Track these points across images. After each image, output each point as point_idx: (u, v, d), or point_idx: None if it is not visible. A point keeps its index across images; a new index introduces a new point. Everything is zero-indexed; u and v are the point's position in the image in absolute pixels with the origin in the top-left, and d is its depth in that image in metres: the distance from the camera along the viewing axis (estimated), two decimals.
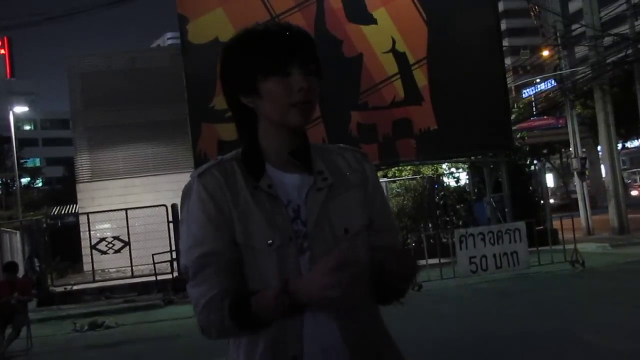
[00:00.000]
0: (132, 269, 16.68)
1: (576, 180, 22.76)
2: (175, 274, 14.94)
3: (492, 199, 17.57)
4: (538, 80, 37.79)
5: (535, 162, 27.91)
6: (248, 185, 1.58)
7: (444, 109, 15.88)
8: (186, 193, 1.61)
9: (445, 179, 21.89)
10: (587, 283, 11.76)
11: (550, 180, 45.67)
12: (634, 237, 18.56)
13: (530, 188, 20.74)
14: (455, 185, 21.75)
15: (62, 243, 19.24)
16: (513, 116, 24.69)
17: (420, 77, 16.06)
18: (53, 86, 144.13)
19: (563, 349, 6.81)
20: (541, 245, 13.94)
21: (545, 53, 27.88)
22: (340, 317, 1.54)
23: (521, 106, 35.14)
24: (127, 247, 16.85)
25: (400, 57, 16.10)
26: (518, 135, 23.04)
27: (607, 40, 23.04)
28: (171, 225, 15.63)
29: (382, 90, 15.99)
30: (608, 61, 21.60)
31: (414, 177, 20.47)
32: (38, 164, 67.35)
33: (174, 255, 15.04)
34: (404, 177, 20.67)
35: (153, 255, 15.52)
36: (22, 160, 48.24)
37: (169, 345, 9.75)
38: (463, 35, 16.18)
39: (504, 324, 8.56)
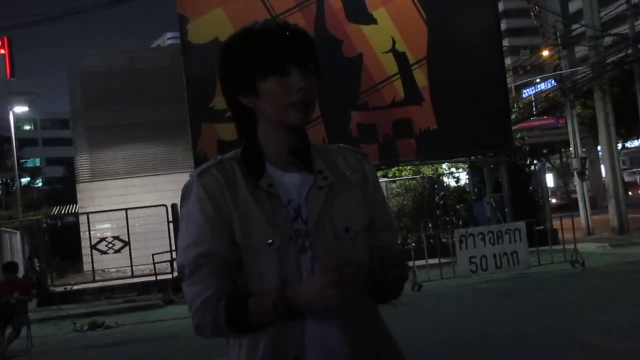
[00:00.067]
0: (132, 269, 16.69)
1: (576, 180, 22.76)
2: (175, 273, 14.92)
3: (492, 199, 17.57)
4: (538, 80, 37.82)
5: (535, 162, 27.93)
6: (248, 185, 1.58)
7: (444, 109, 15.89)
8: (185, 192, 1.61)
9: (445, 179, 21.89)
10: (587, 283, 11.75)
11: (550, 180, 45.68)
12: (634, 237, 18.55)
13: (530, 188, 20.75)
14: (455, 185, 21.75)
15: (62, 243, 19.22)
16: (513, 116, 24.69)
17: (420, 77, 16.07)
18: (53, 86, 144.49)
19: (563, 349, 6.81)
20: (541, 245, 13.94)
21: (545, 53, 27.88)
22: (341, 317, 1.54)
23: (521, 106, 35.17)
24: (127, 247, 16.86)
25: (400, 57, 16.11)
26: (518, 135, 23.03)
27: (607, 40, 23.05)
28: (171, 225, 15.62)
29: (382, 90, 16.00)
30: (608, 61, 21.60)
31: (414, 177, 20.46)
32: (38, 164, 67.34)
33: (174, 255, 15.03)
34: (404, 177, 20.67)
35: (153, 255, 15.51)
36: (22, 160, 48.24)
37: (169, 345, 9.74)
38: (463, 35, 16.18)
39: (504, 324, 8.55)
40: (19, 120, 53.06)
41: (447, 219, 19.78)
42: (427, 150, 16.31)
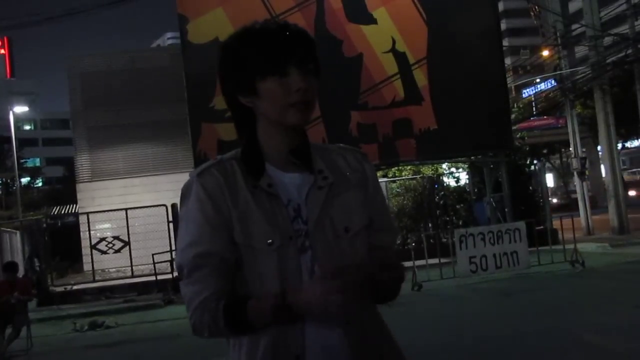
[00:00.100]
0: (132, 269, 16.69)
1: (576, 180, 22.76)
2: (175, 273, 14.92)
3: (492, 199, 17.57)
4: (538, 80, 37.81)
5: (535, 162, 27.92)
6: (248, 185, 1.58)
7: (444, 109, 15.89)
8: (185, 192, 1.60)
9: (445, 179, 21.89)
10: (587, 283, 11.75)
11: (550, 180, 45.67)
12: (634, 237, 18.55)
13: (530, 188, 20.74)
14: (455, 185, 21.75)
15: (62, 243, 19.23)
16: (513, 116, 24.68)
17: (420, 77, 16.07)
18: (53, 86, 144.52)
19: (563, 349, 6.80)
20: (541, 245, 13.94)
21: (545, 53, 27.89)
22: None
23: (521, 106, 35.15)
24: (127, 247, 16.87)
25: (400, 57, 16.11)
26: (518, 135, 23.03)
27: (607, 40, 23.05)
28: (171, 225, 15.62)
29: (382, 90, 16.00)
30: (608, 61, 21.60)
31: (414, 177, 20.47)
32: (38, 164, 67.30)
33: (174, 255, 15.02)
34: (404, 177, 20.67)
35: (153, 255, 15.51)
36: (22, 160, 48.20)
37: (169, 345, 9.74)
38: (463, 35, 16.19)
39: (504, 324, 8.55)
40: (19, 120, 53.06)
41: (447, 219, 19.78)
42: (427, 150, 16.31)
